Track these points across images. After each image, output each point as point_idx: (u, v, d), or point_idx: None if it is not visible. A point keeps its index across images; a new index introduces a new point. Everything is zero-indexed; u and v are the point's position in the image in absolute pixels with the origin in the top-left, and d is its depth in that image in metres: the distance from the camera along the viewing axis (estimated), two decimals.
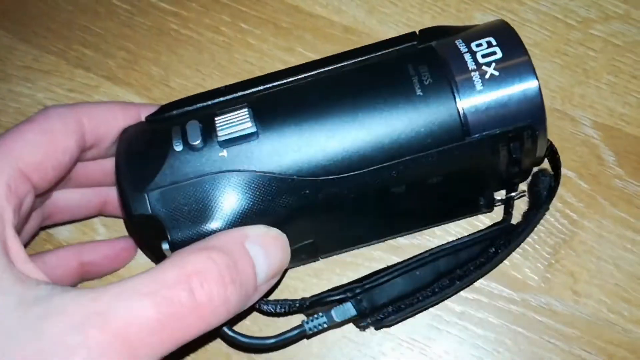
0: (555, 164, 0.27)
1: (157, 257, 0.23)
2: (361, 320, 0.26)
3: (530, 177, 0.28)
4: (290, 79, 0.25)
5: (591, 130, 0.30)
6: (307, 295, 0.26)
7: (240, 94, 0.25)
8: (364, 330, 0.27)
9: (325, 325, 0.25)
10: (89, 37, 0.34)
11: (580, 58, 0.31)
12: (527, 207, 0.28)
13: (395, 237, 0.28)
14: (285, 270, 0.28)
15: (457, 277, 0.26)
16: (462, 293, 0.28)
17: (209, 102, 0.25)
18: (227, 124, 0.23)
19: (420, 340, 0.27)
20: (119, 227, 0.30)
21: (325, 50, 0.32)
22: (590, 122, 0.30)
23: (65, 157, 0.23)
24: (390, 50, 0.25)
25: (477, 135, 0.23)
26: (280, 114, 0.23)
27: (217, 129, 0.23)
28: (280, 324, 0.28)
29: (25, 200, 0.22)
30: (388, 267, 0.26)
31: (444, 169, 0.23)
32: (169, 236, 0.22)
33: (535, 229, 0.28)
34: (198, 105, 0.25)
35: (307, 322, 0.25)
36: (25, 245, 0.27)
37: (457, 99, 0.23)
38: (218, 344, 0.28)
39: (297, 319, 0.27)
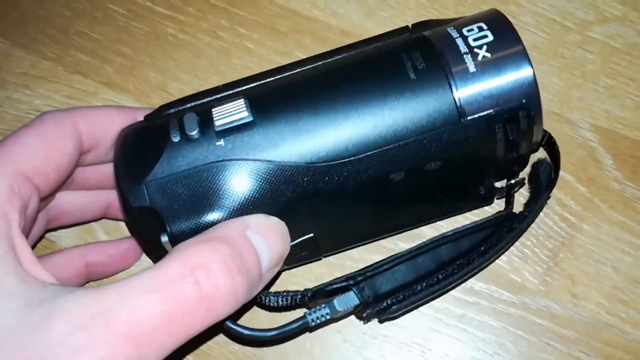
0: (554, 154, 0.27)
1: (157, 256, 0.22)
2: (364, 309, 0.25)
3: (530, 168, 0.28)
4: (287, 74, 0.25)
5: (589, 133, 0.30)
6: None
7: (237, 89, 0.25)
8: (367, 321, 0.27)
9: (328, 317, 0.25)
10: (86, 42, 0.34)
11: (578, 61, 0.31)
12: (528, 198, 0.28)
13: (397, 234, 0.28)
14: (286, 270, 0.28)
15: (460, 266, 0.26)
16: (462, 296, 0.28)
17: (207, 99, 0.25)
18: (223, 114, 0.23)
19: (420, 343, 0.28)
20: (121, 234, 0.30)
21: None
22: (588, 125, 0.30)
23: (64, 160, 0.23)
24: (383, 42, 0.25)
25: (472, 117, 0.23)
26: (277, 103, 0.24)
27: (214, 119, 0.23)
28: (281, 319, 0.28)
29: (30, 203, 0.22)
30: (390, 256, 0.26)
31: (442, 153, 0.23)
32: (168, 228, 0.22)
33: (535, 232, 0.29)
34: (195, 102, 0.25)
35: (310, 314, 0.25)
36: (32, 248, 0.27)
37: (451, 82, 0.23)
38: (220, 349, 0.28)
39: (299, 314, 0.26)
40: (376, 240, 0.28)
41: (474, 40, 0.24)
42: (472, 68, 0.23)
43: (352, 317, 0.28)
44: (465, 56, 0.23)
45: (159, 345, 0.18)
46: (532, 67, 0.23)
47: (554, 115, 0.31)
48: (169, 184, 0.22)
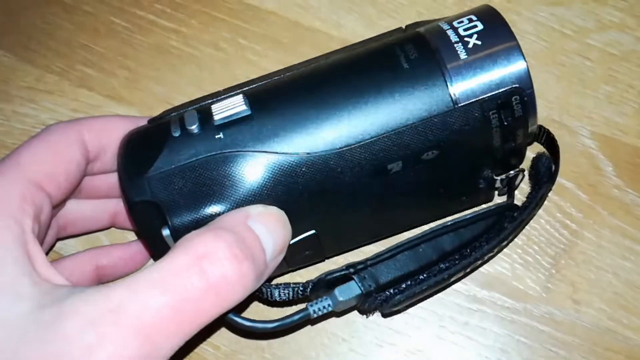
0: (554, 148, 0.28)
1: (161, 252, 0.22)
2: (366, 300, 0.25)
3: (530, 162, 0.28)
4: (284, 74, 0.26)
5: (589, 140, 0.31)
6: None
7: (237, 91, 0.26)
8: (370, 315, 0.27)
9: (330, 308, 0.25)
10: (90, 56, 0.34)
11: (577, 68, 0.32)
12: (529, 191, 0.28)
13: (399, 233, 0.28)
14: (291, 272, 0.28)
15: (462, 255, 0.26)
16: (465, 304, 0.29)
17: (208, 101, 0.26)
18: (223, 109, 0.24)
19: (425, 351, 0.28)
20: None
21: None
22: (588, 132, 0.31)
23: (72, 167, 0.24)
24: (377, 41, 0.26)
25: (465, 103, 0.23)
26: (274, 98, 0.24)
27: (214, 114, 0.24)
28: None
29: (43, 209, 0.22)
30: (390, 246, 0.26)
31: (437, 141, 0.24)
32: (169, 221, 0.23)
33: (536, 239, 0.29)
34: (197, 105, 0.26)
35: (311, 305, 0.25)
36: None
37: (443, 70, 0.23)
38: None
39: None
40: (379, 240, 0.29)
41: (464, 30, 0.24)
42: (463, 56, 0.24)
43: (358, 326, 0.28)
44: (456, 45, 0.24)
45: (170, 337, 0.19)
46: (522, 54, 0.24)
47: (554, 123, 0.31)
48: (170, 177, 0.23)
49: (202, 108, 0.24)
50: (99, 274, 0.28)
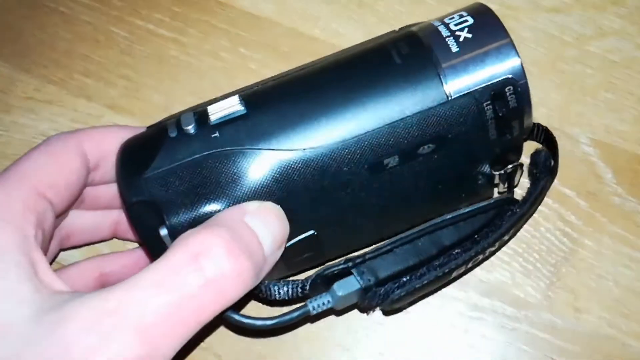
0: (551, 143, 0.28)
1: (159, 254, 0.22)
2: (366, 296, 0.25)
3: (529, 159, 0.28)
4: (280, 77, 0.26)
5: (589, 147, 0.31)
6: None
7: (233, 92, 0.26)
8: (370, 312, 0.27)
9: (329, 304, 0.25)
10: (89, 65, 0.34)
11: (577, 75, 0.32)
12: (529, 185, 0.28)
13: (400, 233, 0.28)
14: (292, 276, 0.29)
15: (462, 250, 0.26)
16: (466, 312, 0.29)
17: (205, 105, 0.26)
18: (218, 109, 0.24)
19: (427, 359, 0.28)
20: None
21: None
22: (588, 139, 0.31)
23: (73, 175, 0.24)
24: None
25: (458, 95, 0.24)
26: (269, 97, 0.25)
27: (210, 115, 0.24)
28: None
29: (46, 217, 0.23)
30: (389, 240, 0.26)
31: (432, 134, 0.24)
32: (167, 221, 0.23)
33: (537, 247, 0.29)
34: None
35: (311, 301, 0.25)
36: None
37: (435, 63, 0.24)
38: None
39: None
40: (380, 242, 0.29)
41: (455, 25, 0.24)
42: (455, 49, 0.24)
43: (359, 336, 0.29)
44: (447, 39, 0.24)
45: (171, 336, 0.19)
46: (514, 46, 0.24)
47: (554, 130, 0.31)
48: (167, 177, 0.23)
49: (198, 110, 0.25)
50: (103, 282, 0.28)
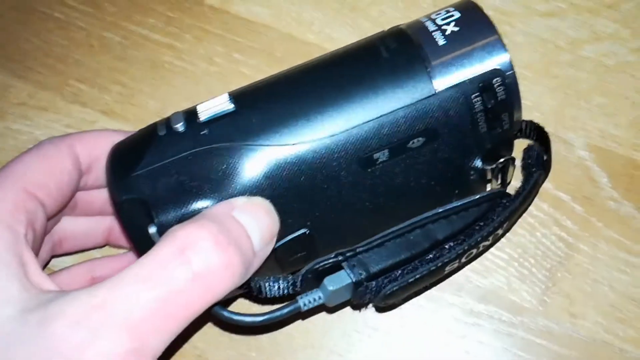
0: (543, 137, 0.28)
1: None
2: (357, 291, 0.24)
3: (522, 154, 0.28)
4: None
5: (584, 152, 0.31)
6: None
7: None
8: (362, 308, 0.26)
9: (320, 300, 0.24)
10: (83, 71, 0.34)
11: (571, 80, 0.32)
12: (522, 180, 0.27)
13: None
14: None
15: (455, 243, 0.25)
16: (462, 317, 0.29)
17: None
18: (207, 107, 0.24)
19: None
20: None
21: None
22: (583, 144, 0.31)
23: (64, 177, 0.24)
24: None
25: (446, 87, 0.24)
26: (259, 94, 0.25)
27: (199, 113, 0.24)
28: None
29: (37, 217, 0.22)
30: (381, 233, 0.25)
31: (421, 127, 0.24)
32: (155, 218, 0.22)
33: (532, 252, 0.29)
34: None
35: (301, 297, 0.24)
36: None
37: (422, 56, 0.24)
38: None
39: None
40: None
41: (442, 19, 0.25)
42: (441, 42, 0.24)
43: (355, 342, 0.28)
44: (434, 33, 0.24)
45: (159, 331, 0.18)
46: (501, 38, 0.24)
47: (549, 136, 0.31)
48: (155, 174, 0.23)
49: (187, 109, 0.25)
50: (94, 284, 0.28)
